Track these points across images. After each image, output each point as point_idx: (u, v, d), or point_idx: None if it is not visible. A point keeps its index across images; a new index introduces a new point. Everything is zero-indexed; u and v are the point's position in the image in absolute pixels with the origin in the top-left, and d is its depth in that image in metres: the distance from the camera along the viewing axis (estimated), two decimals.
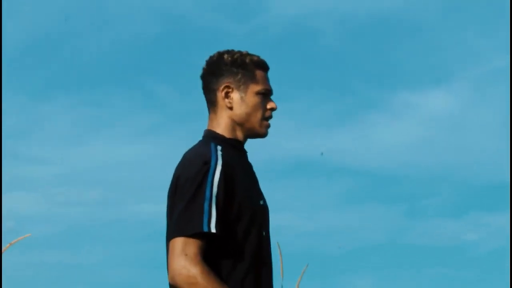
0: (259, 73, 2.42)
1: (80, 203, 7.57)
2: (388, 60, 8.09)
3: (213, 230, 2.20)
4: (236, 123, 2.40)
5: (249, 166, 2.43)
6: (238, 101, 2.39)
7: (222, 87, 2.40)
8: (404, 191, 7.93)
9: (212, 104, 2.43)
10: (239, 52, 2.43)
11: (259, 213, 2.34)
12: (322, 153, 6.12)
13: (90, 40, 7.47)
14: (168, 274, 2.21)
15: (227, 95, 2.40)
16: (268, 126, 2.44)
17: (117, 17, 7.45)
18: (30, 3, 7.73)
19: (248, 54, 2.43)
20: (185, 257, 2.17)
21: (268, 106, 2.43)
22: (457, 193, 7.88)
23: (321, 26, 8.06)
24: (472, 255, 7.63)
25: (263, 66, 2.44)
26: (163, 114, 7.43)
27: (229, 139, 2.39)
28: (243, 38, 7.69)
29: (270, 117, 2.44)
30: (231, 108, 2.40)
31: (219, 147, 2.32)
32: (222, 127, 2.40)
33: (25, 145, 7.69)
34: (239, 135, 2.41)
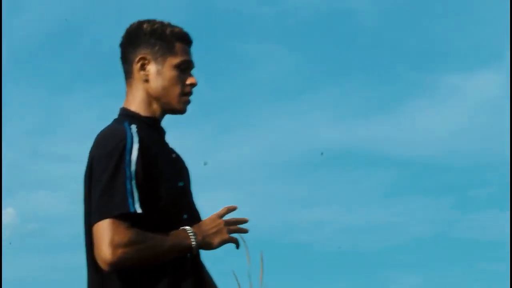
0: (179, 46, 2.34)
1: None
2: (432, 40, 7.84)
3: (139, 210, 2.14)
4: (153, 97, 2.32)
5: (166, 146, 2.35)
6: (155, 74, 2.32)
7: (138, 58, 2.32)
8: (451, 181, 7.70)
9: (128, 76, 2.35)
10: (161, 22, 2.35)
11: (178, 194, 2.27)
12: (322, 153, 5.84)
13: (112, 28, 7.28)
14: (99, 262, 2.13)
15: (143, 67, 2.32)
16: (187, 102, 2.35)
17: (139, 3, 7.22)
18: None
19: (169, 25, 2.35)
20: (116, 241, 2.11)
21: (188, 81, 2.34)
22: (509, 182, 7.39)
23: (356, 6, 7.88)
24: None
25: (185, 39, 2.35)
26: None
27: (145, 117, 2.31)
28: (273, 21, 7.45)
29: (190, 93, 2.35)
30: (147, 81, 2.32)
31: (133, 125, 2.25)
32: (137, 101, 2.33)
33: (48, 142, 7.59)
34: (156, 110, 2.33)
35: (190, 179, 2.40)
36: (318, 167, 7.38)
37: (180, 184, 2.30)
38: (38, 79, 7.55)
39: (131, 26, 2.36)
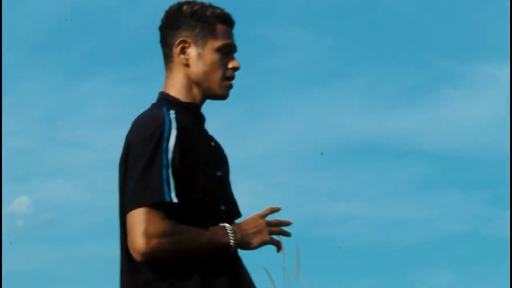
0: (220, 28, 2.28)
1: None
2: (467, 27, 7.61)
3: (174, 199, 2.09)
4: (193, 82, 2.27)
5: (205, 133, 2.30)
6: (195, 58, 2.26)
7: (178, 41, 2.27)
8: (487, 176, 7.48)
9: (168, 60, 2.30)
10: (201, 3, 2.30)
11: (215, 185, 2.21)
12: (322, 153, 5.67)
13: (129, 12, 7.10)
14: (132, 252, 2.09)
15: (183, 51, 2.27)
16: (230, 86, 2.29)
17: None
18: None
19: (210, 6, 2.29)
20: (150, 231, 2.06)
21: (230, 65, 2.28)
22: None
23: None
24: None
25: (226, 20, 2.30)
26: None
27: (184, 102, 2.26)
28: (299, 6, 7.22)
29: (232, 77, 2.29)
30: (187, 65, 2.26)
31: (172, 111, 2.20)
32: (177, 86, 2.28)
33: (64, 128, 7.39)
34: (196, 95, 2.28)
35: (229, 169, 2.34)
36: (346, 158, 7.29)
37: (219, 173, 2.25)
38: (54, 64, 7.36)
39: (170, 8, 2.31)
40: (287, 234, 2.23)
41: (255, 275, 2.32)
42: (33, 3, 7.33)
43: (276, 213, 2.24)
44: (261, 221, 2.19)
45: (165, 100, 2.26)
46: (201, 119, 2.30)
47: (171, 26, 2.28)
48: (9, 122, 7.17)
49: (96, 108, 7.39)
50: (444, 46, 7.53)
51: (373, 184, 7.26)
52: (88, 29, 7.28)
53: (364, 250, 6.86)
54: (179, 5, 2.29)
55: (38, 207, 7.11)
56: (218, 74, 2.26)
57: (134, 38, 7.00)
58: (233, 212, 2.28)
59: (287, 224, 2.23)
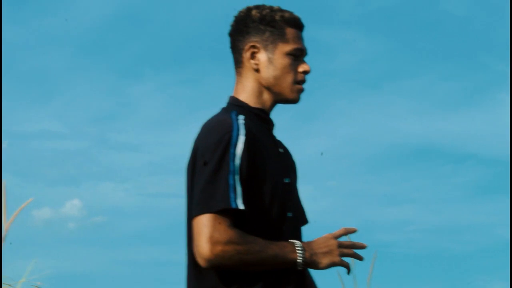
0: (290, 32, 2.27)
1: (175, 194, 7.11)
2: None
3: (241, 206, 2.08)
4: (264, 87, 2.27)
5: (273, 139, 2.28)
6: (265, 63, 2.25)
7: (248, 46, 2.27)
8: None
9: (238, 65, 2.30)
10: (270, 7, 2.29)
11: (282, 191, 2.19)
12: (322, 153, 5.54)
13: (182, 11, 7.02)
14: (196, 257, 2.08)
15: (253, 56, 2.26)
16: (301, 90, 2.28)
17: None
18: None
19: (279, 10, 2.28)
20: (215, 238, 2.05)
21: (300, 69, 2.27)
22: None
23: None
24: None
25: (296, 24, 2.28)
26: None
27: (254, 108, 2.26)
28: (352, 7, 7.10)
29: (303, 81, 2.28)
30: (257, 71, 2.26)
31: (241, 116, 2.19)
32: (247, 91, 2.27)
33: (115, 131, 7.34)
34: (267, 100, 2.28)
35: (297, 176, 2.33)
36: (400, 163, 7.16)
37: (286, 180, 2.22)
38: (105, 66, 7.32)
39: (239, 13, 2.30)
40: (359, 258, 2.18)
41: (325, 278, 2.32)
42: (85, 2, 7.32)
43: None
44: (333, 241, 2.15)
45: (234, 105, 2.25)
46: (270, 124, 2.29)
47: (241, 32, 2.27)
48: (60, 125, 7.18)
49: (147, 110, 7.39)
50: (500, 49, 7.41)
51: (428, 189, 7.18)
52: (139, 29, 7.27)
53: (418, 256, 6.76)
54: (248, 10, 2.29)
55: (89, 210, 7.11)
56: (289, 78, 2.25)
57: (186, 39, 6.98)
58: (300, 219, 2.26)
59: (362, 247, 2.18)
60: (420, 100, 7.38)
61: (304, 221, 2.30)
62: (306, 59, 2.29)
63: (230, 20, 2.32)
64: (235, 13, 2.32)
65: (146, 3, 7.35)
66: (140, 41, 7.30)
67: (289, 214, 2.20)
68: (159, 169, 7.10)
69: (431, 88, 7.46)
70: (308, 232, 2.29)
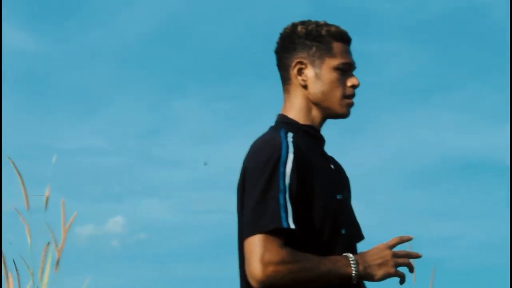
0: (337, 46, 2.24)
1: (220, 211, 7.04)
2: None
3: (292, 226, 2.05)
4: (312, 103, 2.25)
5: (324, 155, 2.26)
6: (313, 78, 2.23)
7: (295, 63, 2.24)
8: None
9: (285, 82, 2.27)
10: (315, 22, 2.27)
11: (335, 208, 2.16)
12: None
13: (225, 24, 7.00)
14: (249, 278, 2.07)
15: (300, 72, 2.24)
16: (350, 104, 2.25)
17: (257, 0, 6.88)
18: None
19: (325, 25, 2.26)
20: (267, 258, 2.03)
21: (349, 83, 2.24)
22: None
23: (490, 1, 7.51)
24: None
25: (342, 38, 2.26)
26: None
27: (303, 125, 2.24)
28: (398, 19, 7.03)
29: (352, 95, 2.26)
30: (305, 87, 2.24)
31: (290, 134, 2.17)
32: (296, 109, 2.25)
33: (158, 146, 7.30)
34: (316, 117, 2.25)
35: (351, 192, 2.30)
36: (447, 176, 7.02)
37: (339, 197, 2.20)
38: (148, 80, 7.31)
39: (284, 30, 2.29)
40: (411, 269, 2.12)
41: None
42: (128, 15, 7.34)
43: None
44: (387, 252, 2.10)
45: (283, 122, 2.23)
46: (320, 141, 2.27)
47: (287, 48, 2.25)
48: (104, 140, 7.19)
49: (191, 125, 7.34)
50: None
51: (476, 204, 7.04)
52: (183, 43, 7.25)
53: (466, 272, 6.63)
54: (293, 26, 2.27)
55: (132, 227, 7.10)
56: (337, 93, 2.23)
57: (230, 53, 6.92)
58: (355, 235, 2.24)
59: (417, 256, 2.13)
60: (469, 112, 7.27)
61: (360, 237, 2.27)
62: (355, 72, 2.26)
63: (274, 33, 2.31)
64: (280, 30, 2.30)
65: (191, 16, 7.34)
66: (184, 55, 7.27)
67: (343, 231, 2.17)
68: (202, 185, 7.07)
69: (480, 100, 7.37)
70: (357, 247, 2.25)
